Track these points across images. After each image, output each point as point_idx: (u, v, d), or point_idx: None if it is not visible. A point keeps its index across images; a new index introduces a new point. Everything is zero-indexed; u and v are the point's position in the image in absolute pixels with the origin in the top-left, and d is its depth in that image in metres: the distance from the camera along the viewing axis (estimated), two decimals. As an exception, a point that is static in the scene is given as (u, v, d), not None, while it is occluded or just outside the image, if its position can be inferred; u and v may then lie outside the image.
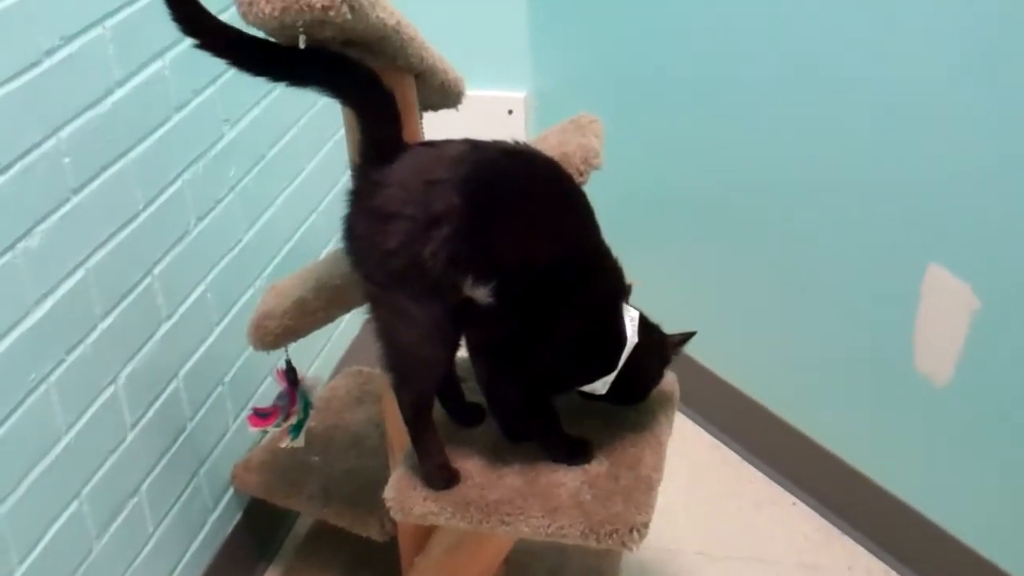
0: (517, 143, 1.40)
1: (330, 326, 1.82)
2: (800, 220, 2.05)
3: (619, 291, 1.45)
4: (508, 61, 2.58)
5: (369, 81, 1.30)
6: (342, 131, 1.51)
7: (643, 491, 1.43)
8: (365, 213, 1.32)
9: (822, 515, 2.18)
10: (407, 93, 1.47)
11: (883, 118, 1.82)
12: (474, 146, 1.35)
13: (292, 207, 2.19)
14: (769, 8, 1.96)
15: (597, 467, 1.47)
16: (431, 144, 1.37)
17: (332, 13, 1.17)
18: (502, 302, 1.33)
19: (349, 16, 1.18)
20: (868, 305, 1.97)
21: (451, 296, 1.33)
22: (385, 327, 1.40)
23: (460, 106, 1.69)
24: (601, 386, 1.45)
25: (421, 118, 1.57)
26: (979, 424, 1.83)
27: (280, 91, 2.11)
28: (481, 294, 1.32)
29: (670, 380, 1.60)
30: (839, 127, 1.90)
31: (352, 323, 2.43)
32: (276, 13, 1.18)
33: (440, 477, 1.46)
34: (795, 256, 2.09)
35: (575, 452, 1.49)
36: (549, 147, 1.55)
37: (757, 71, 2.02)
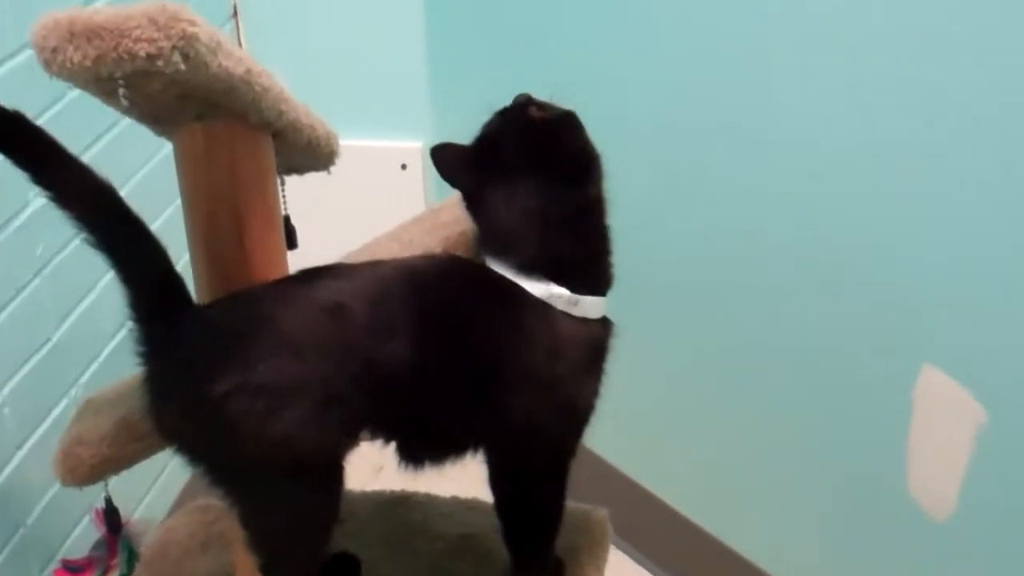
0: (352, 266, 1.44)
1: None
2: (759, 307, 2.11)
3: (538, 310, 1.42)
4: (402, 104, 2.63)
5: (131, 220, 1.35)
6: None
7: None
8: (212, 399, 1.31)
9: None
10: (262, 157, 1.49)
11: (859, 191, 1.88)
12: (315, 275, 1.40)
13: (119, 295, 2.16)
14: (695, 63, 2.05)
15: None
16: (258, 292, 1.41)
17: (160, 63, 1.18)
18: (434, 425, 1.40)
19: (182, 66, 1.19)
20: (851, 417, 2.00)
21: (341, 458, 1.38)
22: (248, 513, 1.43)
23: (336, 165, 1.70)
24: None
25: (282, 185, 1.59)
26: (989, 567, 1.86)
27: (104, 144, 2.14)
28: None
29: (600, 520, 1.63)
30: (801, 196, 1.97)
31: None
32: (88, 63, 1.18)
33: None
34: (755, 354, 2.13)
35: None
36: (443, 224, 1.58)
37: (685, 129, 2.10)
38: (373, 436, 1.40)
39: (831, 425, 2.04)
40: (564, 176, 1.43)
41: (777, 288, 2.05)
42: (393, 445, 1.42)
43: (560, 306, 1.40)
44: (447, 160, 1.48)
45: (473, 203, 1.47)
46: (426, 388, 1.36)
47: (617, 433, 2.37)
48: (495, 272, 1.41)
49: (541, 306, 1.39)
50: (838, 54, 1.86)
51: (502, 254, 1.41)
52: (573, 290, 1.40)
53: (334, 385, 1.31)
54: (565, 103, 1.50)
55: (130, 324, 1.38)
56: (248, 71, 1.32)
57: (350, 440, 1.37)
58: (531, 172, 1.43)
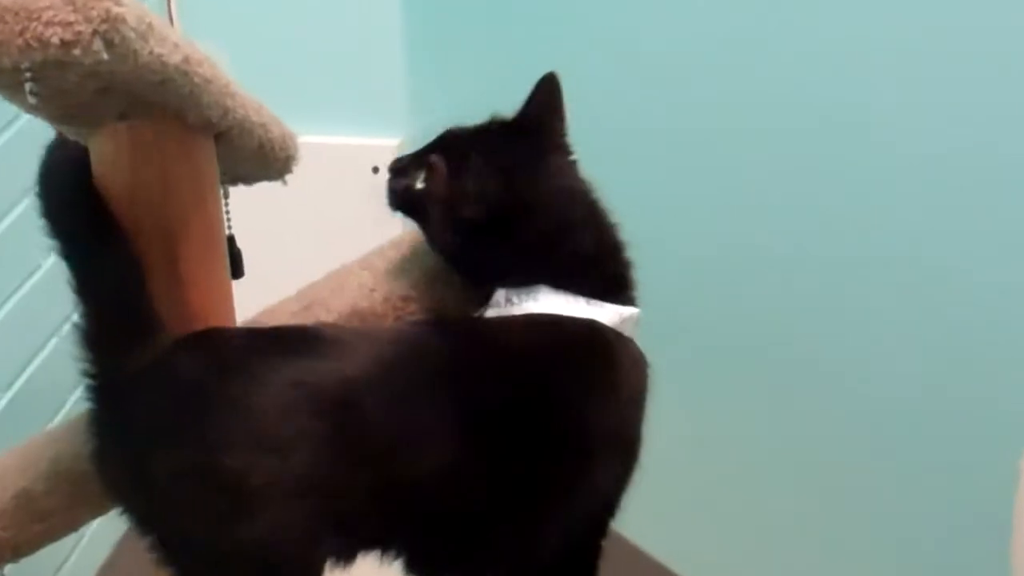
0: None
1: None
2: (825, 358, 2.13)
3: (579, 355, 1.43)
4: (373, 94, 2.67)
5: (114, 231, 1.38)
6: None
7: None
8: (180, 475, 1.31)
9: None
10: (202, 164, 1.50)
11: (942, 229, 1.93)
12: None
13: (16, 331, 2.16)
14: (703, 55, 2.12)
15: None
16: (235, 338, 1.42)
17: (78, 51, 1.18)
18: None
19: (105, 55, 1.19)
20: (939, 491, 2.01)
21: None
22: None
23: (292, 172, 1.71)
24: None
25: (226, 198, 1.60)
26: None
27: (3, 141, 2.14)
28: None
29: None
30: (868, 230, 2.01)
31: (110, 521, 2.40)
32: (-12, 52, 1.19)
33: None
34: (814, 413, 2.13)
35: None
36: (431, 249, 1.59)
37: (697, 133, 2.18)
38: (383, 556, 1.38)
39: (915, 508, 2.06)
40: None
41: (849, 337, 2.08)
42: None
43: (629, 331, 1.41)
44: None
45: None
46: (472, 498, 1.34)
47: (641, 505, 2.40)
48: (550, 318, 1.39)
49: (619, 340, 1.40)
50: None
51: (564, 281, 1.42)
52: (632, 303, 1.43)
53: (332, 503, 1.30)
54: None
55: (82, 351, 1.38)
56: (186, 59, 1.33)
57: (346, 564, 1.36)
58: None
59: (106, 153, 1.45)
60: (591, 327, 1.39)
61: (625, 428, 1.42)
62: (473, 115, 2.42)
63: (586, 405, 1.37)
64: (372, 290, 1.55)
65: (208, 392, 1.32)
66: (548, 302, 1.40)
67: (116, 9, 1.19)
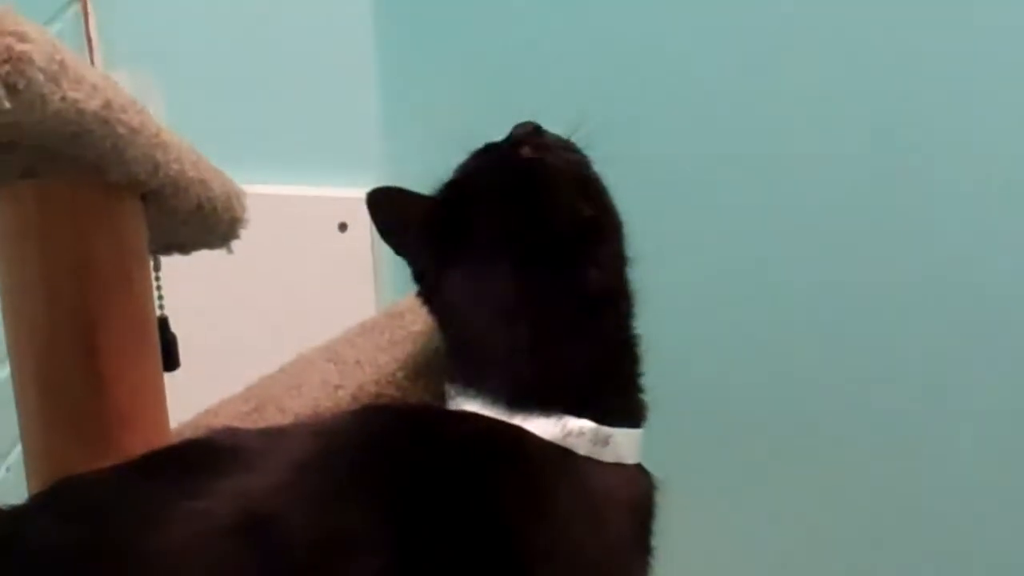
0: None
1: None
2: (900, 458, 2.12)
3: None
4: (341, 136, 2.64)
5: None
6: None
7: None
8: None
9: None
10: (127, 232, 1.47)
11: None
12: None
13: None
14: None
15: None
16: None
17: (-28, 99, 1.16)
18: None
19: (7, 103, 1.17)
20: None
21: None
22: None
23: (239, 237, 1.69)
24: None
25: (157, 271, 1.58)
26: None
27: None
28: None
29: None
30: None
31: None
32: None
33: None
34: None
35: None
36: (409, 335, 1.60)
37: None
38: None
39: None
40: (552, 249, 1.43)
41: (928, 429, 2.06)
42: None
43: (583, 450, 1.36)
44: (392, 215, 1.53)
45: (430, 292, 1.49)
46: None
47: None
48: (476, 417, 1.37)
49: (557, 455, 1.35)
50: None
51: (478, 381, 1.39)
52: (598, 421, 1.37)
53: None
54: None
55: None
56: (107, 105, 1.31)
57: None
58: (507, 243, 1.43)
59: (7, 219, 1.43)
60: (511, 438, 1.35)
61: (573, 560, 1.33)
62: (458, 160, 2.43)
63: (508, 530, 1.30)
64: (337, 387, 1.51)
65: (88, 554, 1.22)
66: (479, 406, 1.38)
67: (20, 47, 1.17)
